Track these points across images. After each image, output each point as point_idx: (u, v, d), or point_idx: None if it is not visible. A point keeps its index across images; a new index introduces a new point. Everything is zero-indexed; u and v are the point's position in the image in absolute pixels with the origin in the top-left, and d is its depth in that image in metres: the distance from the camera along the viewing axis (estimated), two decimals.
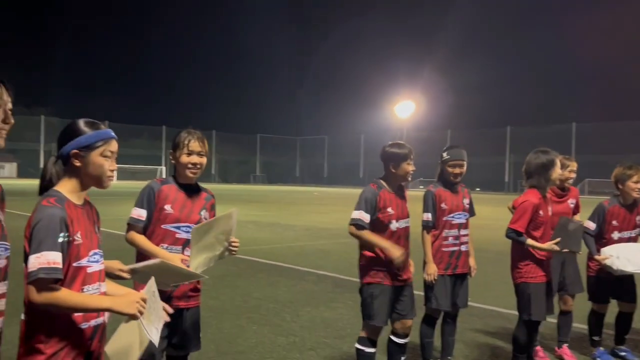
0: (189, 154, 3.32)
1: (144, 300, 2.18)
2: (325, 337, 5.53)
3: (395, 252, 3.82)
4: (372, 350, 4.02)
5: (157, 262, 2.77)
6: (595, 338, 5.11)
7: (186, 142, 3.32)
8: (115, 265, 2.61)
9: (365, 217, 3.92)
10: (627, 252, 4.67)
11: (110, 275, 2.54)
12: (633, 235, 4.94)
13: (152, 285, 2.33)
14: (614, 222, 4.91)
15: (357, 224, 3.93)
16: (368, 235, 3.92)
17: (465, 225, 4.64)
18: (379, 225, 3.95)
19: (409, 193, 4.29)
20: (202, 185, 3.50)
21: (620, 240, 4.86)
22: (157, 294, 2.35)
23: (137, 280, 2.71)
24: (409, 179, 4.07)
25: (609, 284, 4.90)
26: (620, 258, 4.63)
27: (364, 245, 4.01)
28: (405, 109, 59.89)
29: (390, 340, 4.18)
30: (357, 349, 4.04)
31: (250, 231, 14.74)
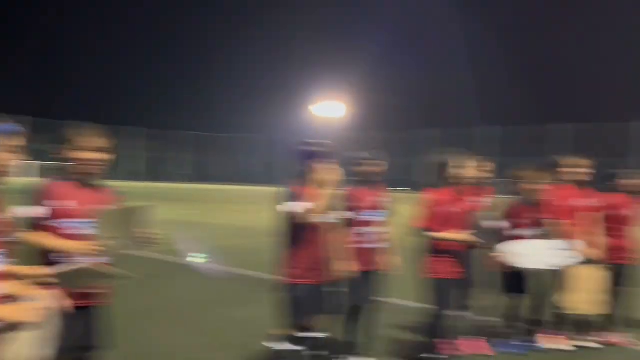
0: (88, 150, 3.21)
1: (41, 311, 2.13)
2: (241, 337, 5.48)
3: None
4: (294, 348, 4.03)
5: (85, 265, 2.75)
6: (504, 329, 5.40)
7: (84, 138, 3.22)
8: (40, 271, 2.54)
9: (298, 206, 3.92)
10: (531, 249, 4.97)
11: (37, 281, 2.44)
12: (537, 233, 5.23)
13: (47, 300, 2.26)
14: (519, 221, 5.21)
15: (300, 212, 3.89)
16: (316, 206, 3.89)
17: (381, 224, 4.74)
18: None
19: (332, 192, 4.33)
20: (130, 183, 3.40)
21: (526, 237, 5.14)
22: (54, 309, 2.29)
23: (62, 284, 2.60)
24: (326, 176, 4.10)
25: (515, 279, 5.18)
26: (526, 255, 4.93)
27: (294, 241, 4.02)
28: (327, 109, 60.51)
29: (304, 336, 4.19)
30: (276, 349, 4.03)
31: (171, 230, 14.36)
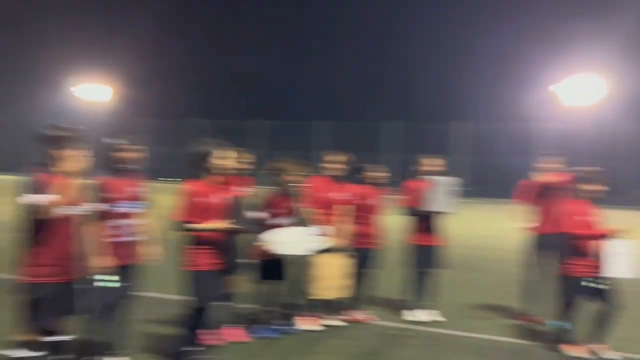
0: None
1: None
2: None
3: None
4: (34, 354, 3.67)
5: None
6: (263, 315, 5.63)
7: None
8: None
9: (42, 197, 3.55)
10: (288, 236, 5.26)
11: None
12: (292, 221, 5.53)
13: None
14: (278, 210, 5.47)
15: (44, 204, 3.53)
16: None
17: (137, 215, 4.56)
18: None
19: (83, 182, 4.01)
20: None
21: (283, 226, 5.40)
22: None
23: None
24: (75, 164, 3.78)
25: (273, 266, 5.43)
26: (283, 242, 5.20)
27: (38, 236, 3.62)
28: (92, 92, 56.28)
29: (48, 340, 3.82)
30: (14, 356, 3.63)
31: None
